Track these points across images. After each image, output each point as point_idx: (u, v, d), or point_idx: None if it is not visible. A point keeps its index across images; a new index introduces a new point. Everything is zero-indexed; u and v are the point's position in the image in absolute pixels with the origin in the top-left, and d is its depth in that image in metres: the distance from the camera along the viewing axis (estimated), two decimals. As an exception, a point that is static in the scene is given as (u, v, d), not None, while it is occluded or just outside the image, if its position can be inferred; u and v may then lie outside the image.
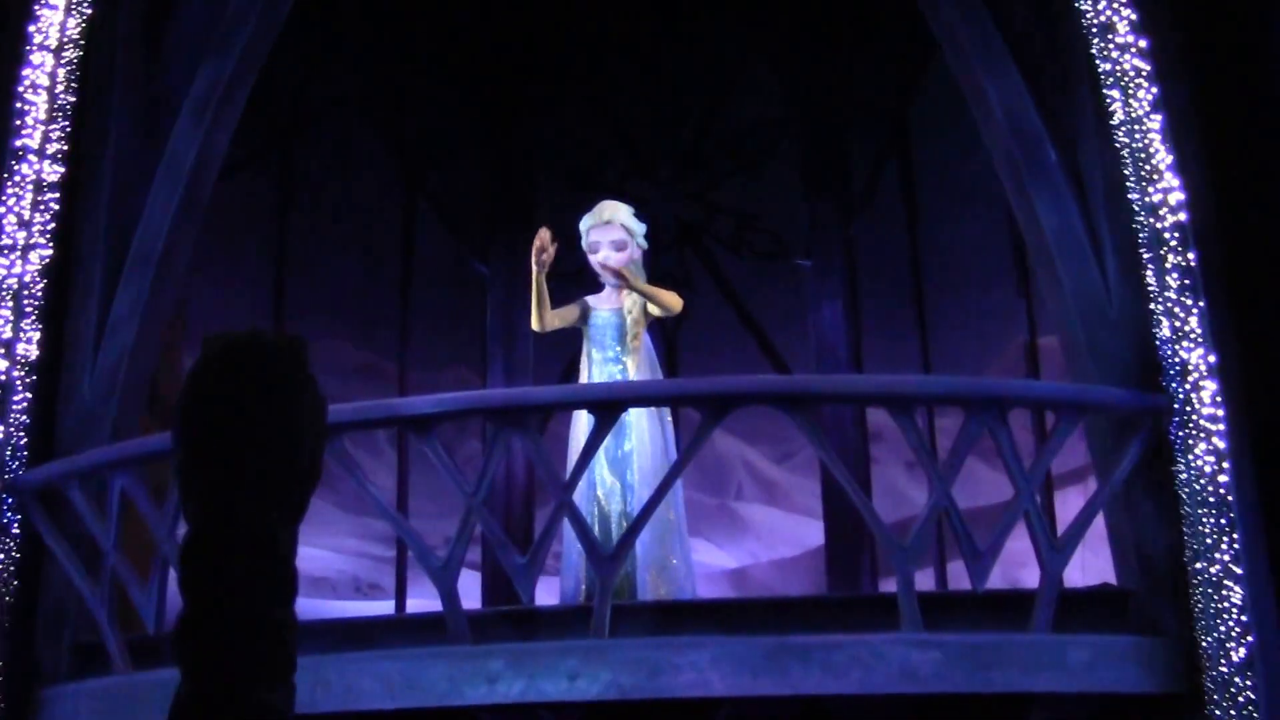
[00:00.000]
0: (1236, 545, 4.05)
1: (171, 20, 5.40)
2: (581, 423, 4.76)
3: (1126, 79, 4.44)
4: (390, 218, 7.93)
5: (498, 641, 3.93)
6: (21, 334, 4.88)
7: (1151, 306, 4.35)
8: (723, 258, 8.23)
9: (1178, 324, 4.26)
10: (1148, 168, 4.39)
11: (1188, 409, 4.20)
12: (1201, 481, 4.13)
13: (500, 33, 7.99)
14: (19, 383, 4.83)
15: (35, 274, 4.95)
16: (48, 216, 5.01)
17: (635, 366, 5.00)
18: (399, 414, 4.21)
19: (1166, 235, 4.33)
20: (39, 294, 4.94)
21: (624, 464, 4.87)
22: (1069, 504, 6.30)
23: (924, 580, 7.24)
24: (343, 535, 8.60)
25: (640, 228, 5.21)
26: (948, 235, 7.63)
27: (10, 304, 4.88)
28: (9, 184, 4.98)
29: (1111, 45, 4.47)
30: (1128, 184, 4.45)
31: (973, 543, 3.93)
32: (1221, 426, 4.14)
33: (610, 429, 4.14)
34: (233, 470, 1.73)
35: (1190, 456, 4.16)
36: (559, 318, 5.10)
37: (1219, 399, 4.16)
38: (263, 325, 7.07)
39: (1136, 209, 4.42)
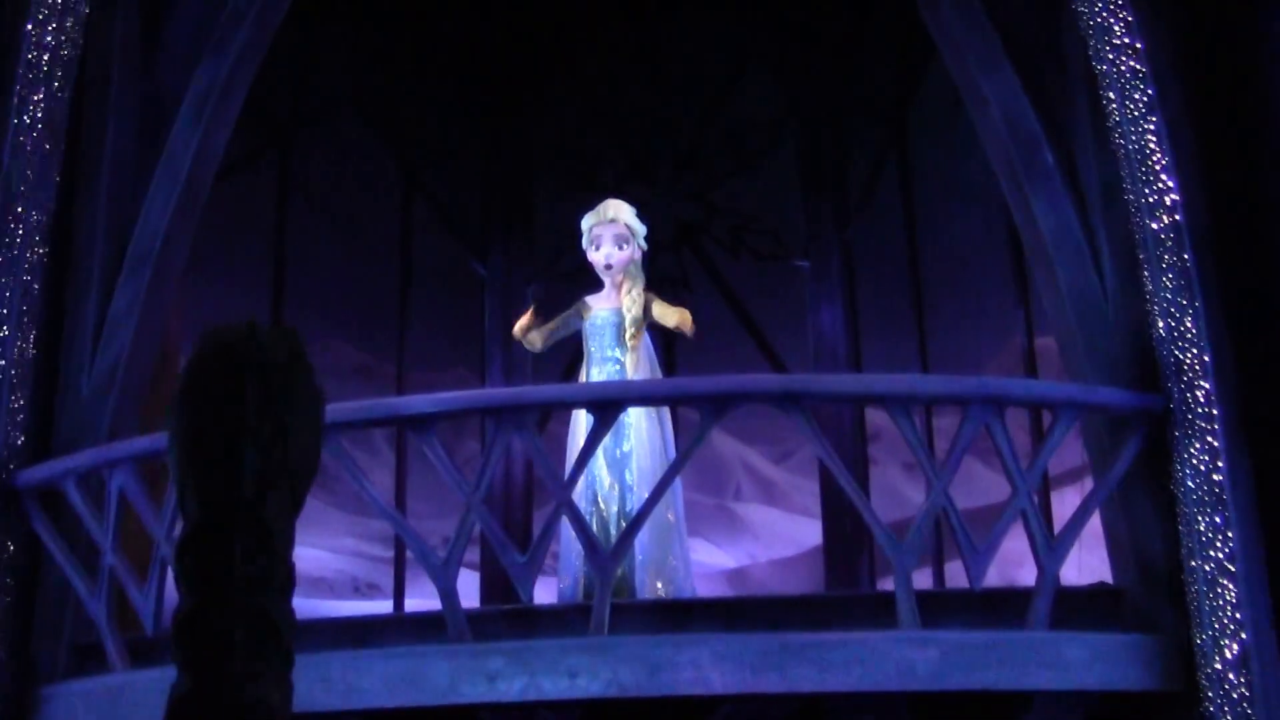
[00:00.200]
0: (1231, 543, 4.07)
1: (169, 19, 5.40)
2: (580, 423, 4.78)
3: (1123, 81, 4.46)
4: (389, 218, 7.93)
5: (497, 640, 3.94)
6: (19, 333, 4.88)
7: (1147, 307, 4.37)
8: (721, 259, 8.24)
9: (1173, 324, 4.28)
10: (1144, 169, 4.41)
11: (1183, 408, 4.22)
12: (1197, 480, 4.15)
13: (499, 33, 8.00)
14: (16, 381, 4.83)
15: (33, 273, 4.95)
16: (45, 215, 5.01)
17: (634, 366, 5.02)
18: (398, 413, 4.23)
19: (1162, 236, 4.35)
20: (36, 292, 4.94)
21: (623, 464, 4.88)
22: (1067, 504, 6.31)
23: (922, 579, 7.24)
24: (340, 535, 8.60)
25: (642, 229, 5.24)
26: (946, 236, 7.64)
27: (8, 303, 4.87)
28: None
29: (1108, 47, 4.49)
30: (1124, 185, 4.47)
31: (970, 540, 3.95)
32: (1217, 426, 4.16)
33: (609, 428, 4.15)
34: (229, 464, 1.72)
35: (1186, 456, 4.18)
36: (548, 331, 5.16)
37: (1214, 398, 4.18)
38: (290, 329, 7.03)
39: (1133, 210, 4.44)
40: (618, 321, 5.10)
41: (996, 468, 4.31)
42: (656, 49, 8.16)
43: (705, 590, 7.69)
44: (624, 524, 4.68)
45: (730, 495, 10.34)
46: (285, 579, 1.76)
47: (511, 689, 3.81)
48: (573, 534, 4.47)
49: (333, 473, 7.89)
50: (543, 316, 5.18)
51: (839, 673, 3.77)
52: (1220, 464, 4.12)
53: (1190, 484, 4.15)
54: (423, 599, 6.72)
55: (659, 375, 5.26)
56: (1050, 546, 4.08)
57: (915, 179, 7.72)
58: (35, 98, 4.98)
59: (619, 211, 5.18)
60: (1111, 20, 4.50)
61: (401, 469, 7.36)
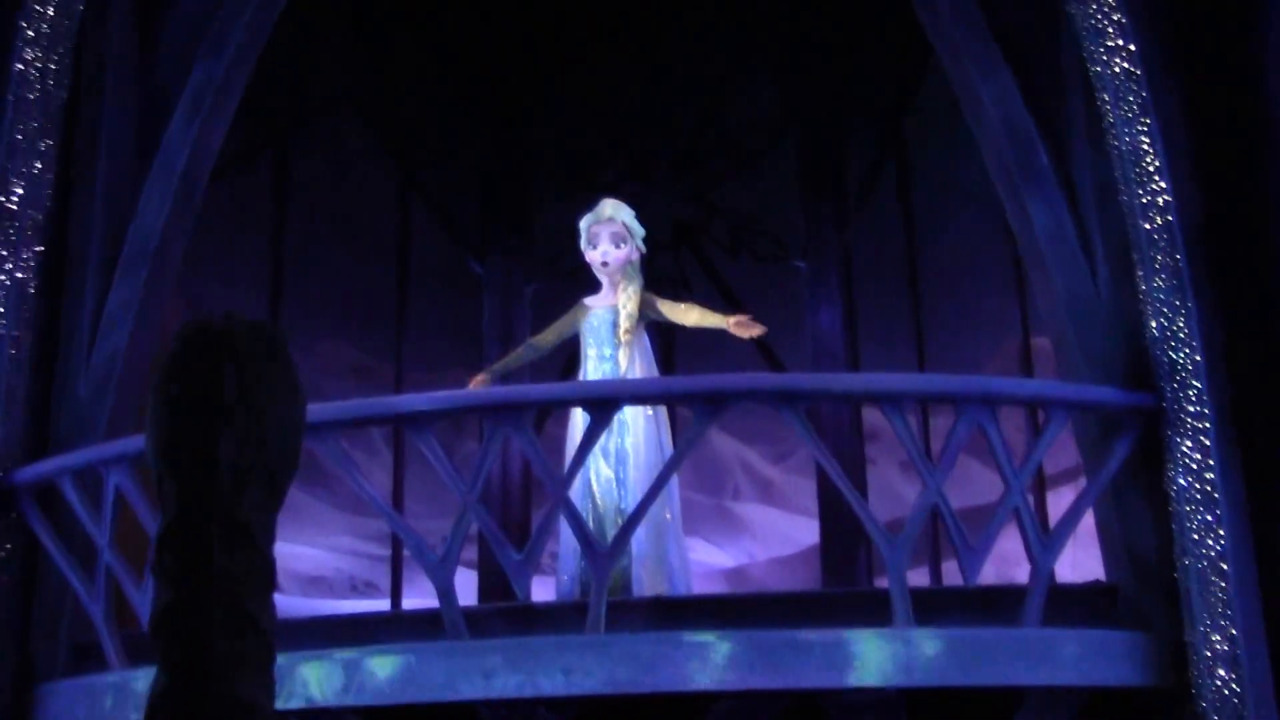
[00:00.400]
0: (1223, 541, 4.10)
1: (165, 17, 5.41)
2: (578, 422, 4.80)
3: (1117, 82, 4.49)
4: (387, 218, 7.94)
5: (494, 637, 3.96)
6: (15, 331, 4.89)
7: (1141, 307, 4.40)
8: (720, 259, 8.25)
9: (1166, 324, 4.30)
10: (1138, 170, 4.43)
11: (1175, 407, 4.25)
12: (1188, 479, 4.17)
13: (498, 33, 8.02)
14: (12, 380, 4.85)
15: (29, 271, 4.96)
16: (41, 213, 5.03)
17: (628, 362, 5.04)
18: (395, 411, 4.25)
19: (1156, 237, 4.38)
20: (33, 290, 4.95)
21: (620, 461, 4.91)
22: (1063, 502, 6.34)
23: (919, 578, 7.27)
24: (338, 534, 8.62)
25: (640, 230, 5.27)
26: (944, 237, 7.67)
27: (4, 301, 4.89)
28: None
29: (1102, 49, 4.51)
30: (1118, 186, 4.50)
31: (964, 538, 3.97)
32: (1208, 425, 4.19)
33: (605, 427, 4.17)
34: (205, 459, 1.70)
35: (1178, 454, 4.21)
36: (554, 334, 5.22)
37: (1206, 398, 4.21)
38: (268, 322, 7.04)
39: (1127, 211, 4.47)
40: (614, 319, 5.13)
41: (993, 466, 4.34)
42: (655, 50, 8.17)
43: (704, 589, 7.71)
44: (620, 521, 4.71)
45: (729, 495, 10.36)
46: (265, 575, 1.73)
47: (508, 686, 3.83)
48: (570, 532, 4.49)
49: (330, 472, 7.92)
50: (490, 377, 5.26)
51: (834, 669, 3.79)
52: (1211, 462, 4.15)
53: (1182, 482, 4.17)
54: (420, 598, 6.74)
55: (656, 373, 5.28)
56: (1043, 544, 4.10)
57: (914, 180, 7.75)
58: (31, 95, 5.00)
59: (617, 211, 5.21)
60: (1105, 23, 4.53)
61: (399, 468, 7.38)
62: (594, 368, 5.09)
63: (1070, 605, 4.25)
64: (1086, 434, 4.51)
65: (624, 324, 5.08)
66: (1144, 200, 4.41)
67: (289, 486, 1.79)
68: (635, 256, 5.24)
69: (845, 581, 7.18)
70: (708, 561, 9.12)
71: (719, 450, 10.09)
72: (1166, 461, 4.24)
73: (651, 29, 8.13)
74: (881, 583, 4.09)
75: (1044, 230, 4.67)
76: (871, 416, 7.63)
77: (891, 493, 8.75)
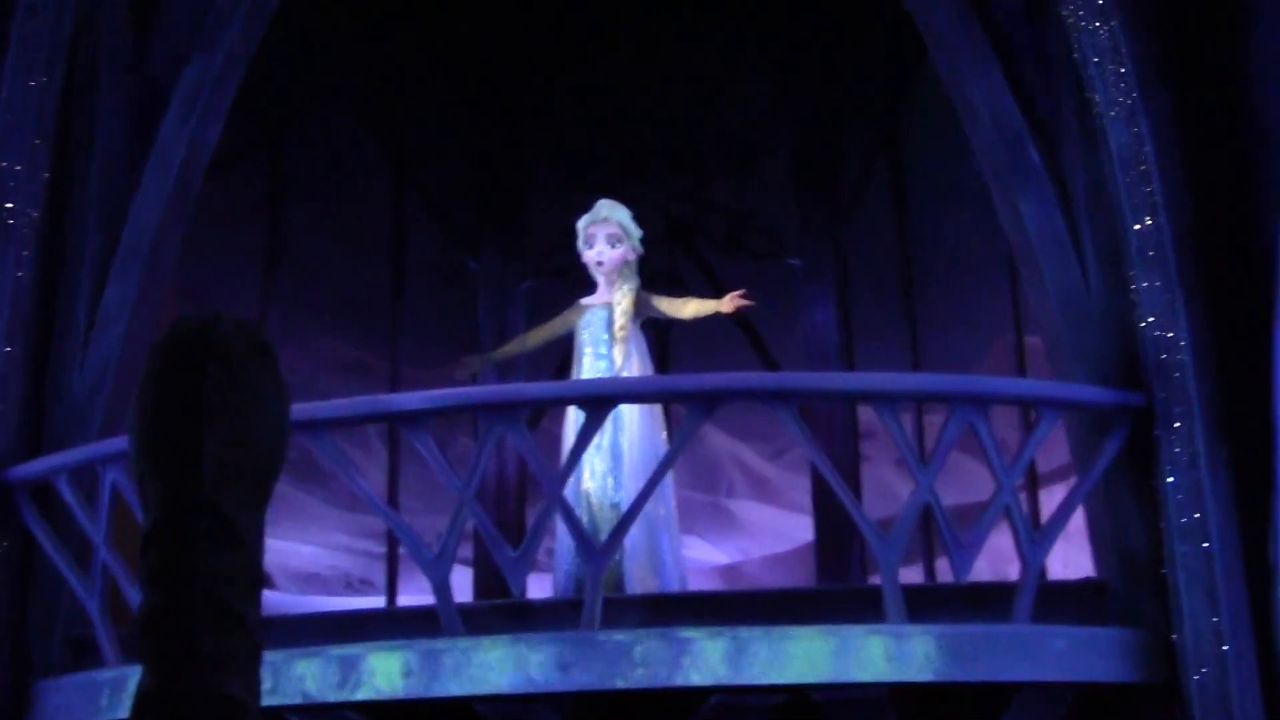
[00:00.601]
0: (1210, 539, 4.14)
1: (159, 13, 5.42)
2: (573, 420, 4.83)
3: (1108, 82, 4.52)
4: (381, 214, 7.95)
5: (490, 634, 3.99)
6: (10, 328, 4.91)
7: (1131, 306, 4.43)
8: (714, 257, 8.27)
9: (1156, 322, 4.34)
10: (1128, 170, 4.47)
11: (1165, 406, 4.28)
12: (1177, 476, 4.21)
13: (493, 30, 8.03)
14: (7, 377, 4.86)
15: (24, 268, 4.98)
16: (36, 210, 5.04)
17: (624, 360, 5.07)
18: (391, 409, 4.27)
19: (1146, 236, 4.41)
20: (27, 288, 4.97)
21: (615, 457, 4.93)
22: (1055, 500, 6.37)
23: (913, 575, 7.30)
24: (332, 531, 8.62)
25: (637, 231, 5.31)
26: (939, 235, 7.69)
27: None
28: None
29: (1093, 49, 4.54)
30: (1109, 186, 4.53)
31: (955, 535, 4.01)
32: (1197, 423, 4.23)
33: (600, 424, 4.20)
34: (189, 457, 1.67)
35: (1167, 452, 4.24)
36: (547, 332, 5.26)
37: (1194, 396, 4.25)
38: (253, 321, 7.05)
39: (1117, 210, 4.50)
40: (608, 317, 5.16)
41: (986, 463, 4.37)
42: (651, 48, 8.19)
43: (698, 586, 7.74)
44: (614, 517, 4.74)
45: (723, 492, 10.38)
46: (252, 574, 1.71)
47: (504, 682, 3.86)
48: (566, 529, 4.52)
49: (326, 469, 7.93)
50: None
51: (826, 664, 3.82)
52: (1200, 460, 4.19)
53: (1171, 480, 4.21)
54: (415, 595, 6.76)
55: (651, 371, 5.32)
56: (1034, 542, 4.14)
57: (908, 178, 7.77)
58: (25, 92, 5.01)
59: (612, 211, 5.26)
60: (1097, 23, 4.56)
61: (394, 467, 7.39)
62: (589, 366, 5.12)
63: (1061, 602, 4.29)
64: (1077, 432, 4.54)
65: (619, 321, 5.12)
66: (1135, 200, 4.45)
67: (275, 486, 1.78)
68: (632, 256, 5.27)
69: (839, 578, 7.21)
70: (702, 558, 9.14)
71: (714, 447, 10.11)
72: (1156, 459, 4.28)
73: (647, 27, 8.14)
74: (875, 580, 4.12)
75: (1035, 229, 4.71)
76: (867, 414, 7.64)
77: (887, 490, 8.78)
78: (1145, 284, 4.38)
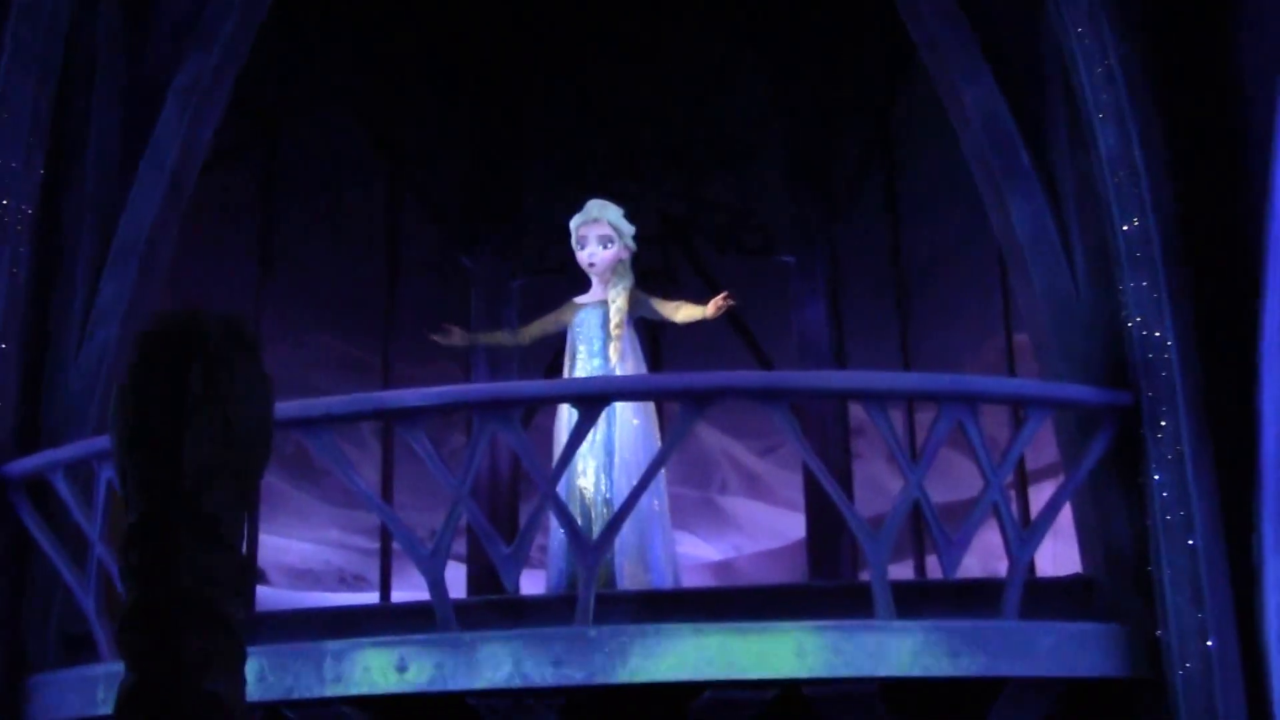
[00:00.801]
0: (1196, 536, 4.19)
1: (155, 10, 5.44)
2: (566, 417, 4.86)
3: (1098, 85, 4.56)
4: (376, 211, 7.97)
5: (484, 629, 4.02)
6: (5, 325, 4.93)
7: (1119, 306, 4.48)
8: (708, 254, 8.30)
9: (1143, 323, 4.38)
10: (1117, 172, 4.51)
11: (1151, 405, 4.33)
12: (1163, 474, 4.26)
13: (487, 27, 8.05)
14: (2, 373, 4.88)
15: (19, 265, 4.99)
16: (31, 207, 5.06)
17: (619, 359, 5.10)
18: (386, 407, 4.30)
19: (1134, 237, 4.46)
20: (23, 284, 4.99)
21: (607, 453, 4.96)
22: (1045, 497, 6.42)
23: (904, 571, 7.35)
24: (326, 527, 8.65)
25: (629, 229, 5.32)
26: (931, 233, 7.72)
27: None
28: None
29: (1083, 53, 4.58)
30: (1098, 187, 4.57)
31: (943, 532, 4.05)
32: (1182, 422, 4.28)
33: (594, 422, 4.24)
34: (171, 455, 1.66)
35: (1154, 450, 4.29)
36: (539, 328, 5.28)
37: (1181, 395, 4.30)
38: (247, 318, 7.09)
39: (1106, 211, 4.54)
40: (603, 316, 5.19)
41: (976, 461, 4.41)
42: (645, 45, 8.21)
43: (691, 582, 7.78)
44: (607, 513, 4.78)
45: (716, 488, 10.43)
46: (236, 573, 1.70)
47: (498, 677, 3.89)
48: (558, 525, 4.55)
49: (319, 465, 7.96)
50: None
51: (816, 659, 3.87)
52: (1186, 459, 4.24)
53: (1157, 477, 4.26)
54: (409, 590, 6.79)
55: (644, 369, 5.35)
56: (1021, 539, 4.18)
57: (901, 177, 7.80)
58: (21, 90, 5.03)
59: (603, 211, 5.27)
60: (1086, 27, 4.60)
61: (388, 463, 7.42)
62: (583, 364, 5.15)
63: (1048, 598, 4.33)
64: (1065, 431, 4.59)
65: (614, 320, 5.14)
66: (1123, 201, 4.49)
67: (259, 484, 1.77)
68: (625, 255, 5.29)
69: (831, 574, 7.26)
70: (695, 555, 9.19)
71: (706, 444, 10.16)
72: (1142, 458, 4.33)
73: (643, 26, 8.17)
74: (866, 576, 4.17)
75: (1025, 230, 4.75)
76: (858, 411, 7.68)
77: (878, 486, 8.83)
78: (1133, 284, 4.43)
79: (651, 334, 7.67)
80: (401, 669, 3.94)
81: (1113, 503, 4.42)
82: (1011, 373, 7.08)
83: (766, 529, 9.86)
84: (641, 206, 7.65)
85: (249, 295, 7.20)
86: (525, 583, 4.26)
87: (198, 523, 1.65)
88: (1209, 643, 4.12)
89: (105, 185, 5.24)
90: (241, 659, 1.68)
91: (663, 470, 4.59)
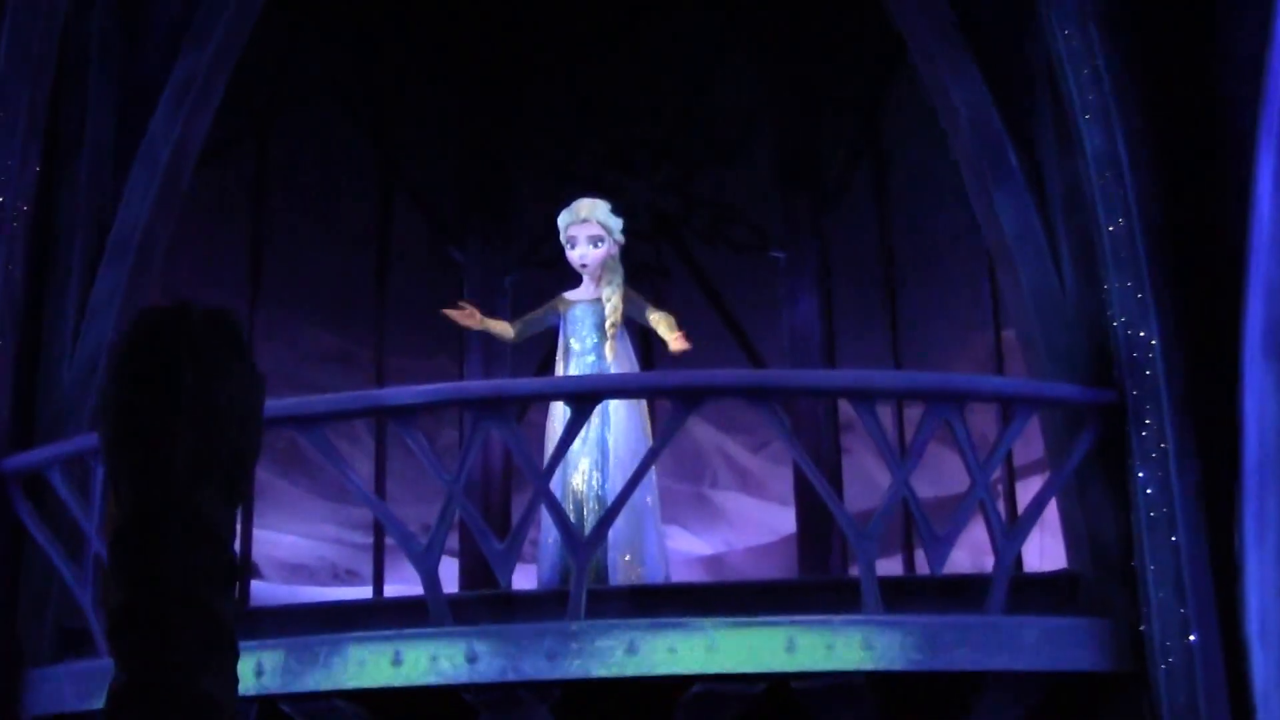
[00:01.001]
0: (1178, 532, 4.25)
1: (149, 8, 5.46)
2: (558, 412, 4.90)
3: (1083, 86, 4.61)
4: (367, 206, 7.99)
5: (478, 624, 4.07)
6: (1, 321, 4.96)
7: (1104, 305, 4.54)
8: (699, 249, 8.34)
9: (1128, 322, 4.44)
10: (1103, 172, 4.56)
11: (1136, 403, 4.39)
12: (1147, 471, 4.33)
13: (479, 22, 8.07)
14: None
15: (15, 261, 5.02)
16: (27, 204, 5.08)
17: (614, 357, 5.13)
18: (382, 404, 4.34)
19: (1119, 237, 4.51)
20: (18, 280, 5.01)
21: (600, 449, 5.00)
22: (1033, 491, 6.47)
23: (894, 565, 7.41)
24: (320, 522, 8.66)
25: (617, 223, 5.33)
26: (920, 229, 7.77)
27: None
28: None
29: (1070, 54, 4.63)
30: (1084, 187, 4.63)
31: (931, 529, 4.11)
32: (1166, 420, 4.34)
33: (586, 419, 4.29)
34: (161, 451, 1.63)
35: (1138, 448, 4.35)
36: (525, 324, 5.31)
37: (1165, 394, 4.36)
38: (239, 312, 7.10)
39: (1091, 211, 4.60)
40: (596, 314, 5.21)
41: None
42: (636, 40, 8.24)
43: (682, 576, 7.83)
44: (599, 508, 4.82)
45: (707, 483, 10.45)
46: (226, 569, 1.67)
47: (492, 670, 3.95)
48: (551, 521, 4.60)
49: (312, 459, 7.97)
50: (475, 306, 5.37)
51: (804, 653, 3.93)
52: (1169, 456, 4.30)
53: (1141, 475, 4.33)
54: (402, 584, 6.83)
55: (636, 366, 5.39)
56: (1007, 535, 4.25)
57: (890, 172, 7.84)
58: (17, 87, 5.05)
59: (592, 211, 5.26)
60: (1073, 28, 4.65)
61: (381, 457, 7.45)
62: (576, 361, 5.17)
63: (1034, 593, 4.40)
64: (1051, 428, 4.65)
65: (610, 319, 5.17)
66: (1108, 202, 4.55)
67: (250, 479, 1.75)
68: (615, 250, 5.32)
69: (821, 569, 7.31)
70: (686, 549, 9.22)
71: (698, 439, 10.19)
72: (1127, 455, 4.39)
73: (633, 21, 8.20)
74: (856, 571, 4.23)
75: (1012, 228, 4.80)
76: (848, 406, 7.71)
77: (868, 481, 8.87)
78: (1118, 284, 4.49)
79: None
80: (396, 663, 3.99)
81: (1097, 499, 4.48)
82: (1000, 368, 7.13)
83: (758, 524, 9.90)
84: (632, 202, 7.71)
85: (241, 289, 7.22)
86: (517, 576, 4.31)
87: (187, 519, 1.63)
88: (1191, 637, 4.19)
89: (100, 182, 5.27)
90: (233, 656, 1.66)
91: (653, 466, 4.64)
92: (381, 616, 4.30)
